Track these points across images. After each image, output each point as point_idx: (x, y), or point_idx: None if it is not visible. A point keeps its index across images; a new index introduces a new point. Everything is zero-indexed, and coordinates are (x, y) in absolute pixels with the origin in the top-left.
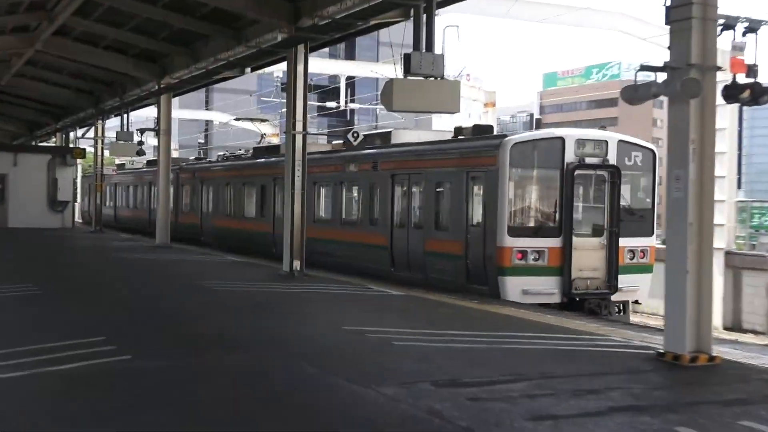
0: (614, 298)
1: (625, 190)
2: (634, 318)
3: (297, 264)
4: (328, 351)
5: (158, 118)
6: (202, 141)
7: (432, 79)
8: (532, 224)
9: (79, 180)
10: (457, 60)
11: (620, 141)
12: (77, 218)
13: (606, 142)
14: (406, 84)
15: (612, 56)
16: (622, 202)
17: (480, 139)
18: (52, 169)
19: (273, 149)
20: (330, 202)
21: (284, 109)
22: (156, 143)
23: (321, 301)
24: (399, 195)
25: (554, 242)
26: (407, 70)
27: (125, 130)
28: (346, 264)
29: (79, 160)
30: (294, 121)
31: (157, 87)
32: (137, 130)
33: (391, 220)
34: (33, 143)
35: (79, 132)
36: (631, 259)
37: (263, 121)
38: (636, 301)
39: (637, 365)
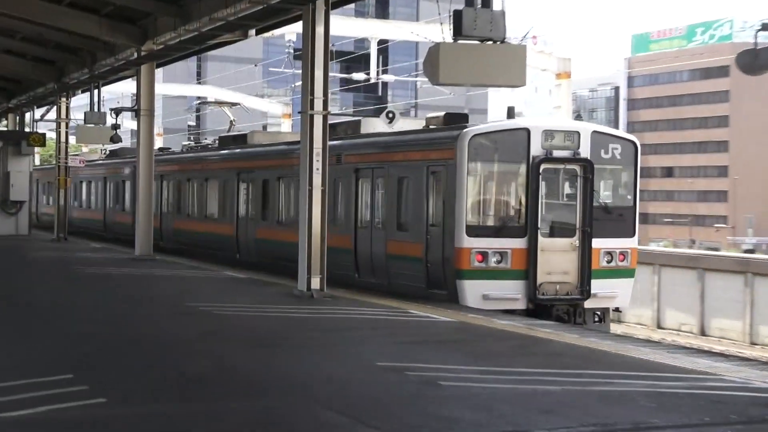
0: (590, 304)
1: (602, 186)
2: (616, 328)
3: (316, 282)
4: (360, 395)
5: (138, 95)
6: (193, 123)
7: (490, 43)
8: (493, 223)
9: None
10: (521, 19)
11: (594, 132)
12: None
13: (578, 133)
14: (457, 49)
15: (721, 12)
16: (598, 199)
17: (441, 130)
18: (2, 159)
19: (240, 139)
20: (293, 201)
21: (299, 83)
22: (135, 126)
23: (349, 329)
24: (363, 192)
25: (518, 243)
26: (458, 32)
27: (96, 110)
28: None
29: (37, 149)
30: (311, 97)
31: (136, 55)
32: (111, 110)
33: (355, 219)
34: None
35: (38, 113)
36: (609, 262)
37: (234, 104)
38: (617, 309)
39: (757, 413)
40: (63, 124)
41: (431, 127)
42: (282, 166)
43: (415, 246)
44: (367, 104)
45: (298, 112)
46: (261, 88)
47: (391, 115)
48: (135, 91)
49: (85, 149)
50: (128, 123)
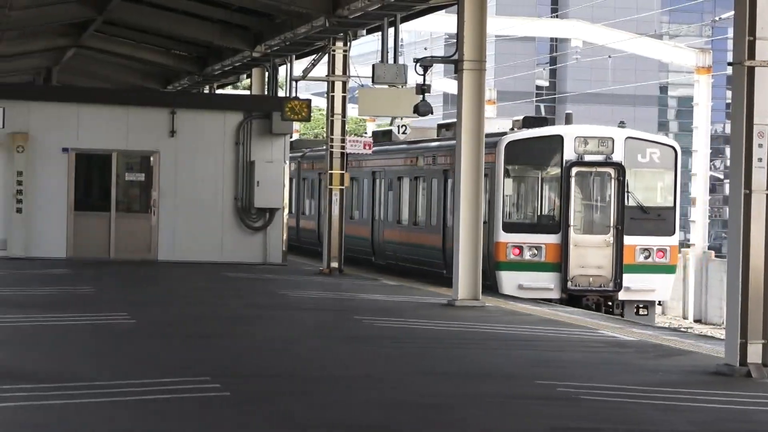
0: (627, 297)
1: (639, 188)
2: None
3: (756, 352)
4: None
5: (458, 36)
6: (545, 83)
7: None
8: (528, 220)
9: None
10: None
11: (629, 138)
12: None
13: (611, 139)
14: None
15: None
16: (633, 201)
17: (492, 136)
18: (243, 141)
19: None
20: (407, 201)
21: (727, 14)
22: (456, 87)
23: None
24: (449, 191)
25: (552, 239)
26: None
27: (391, 60)
28: (417, 270)
29: (297, 125)
30: (751, 39)
31: None
32: (416, 61)
33: (444, 219)
34: (204, 89)
35: (298, 66)
36: (646, 258)
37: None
38: (659, 303)
39: None
40: (339, 84)
41: (511, 129)
42: (394, 166)
43: None
44: None
45: (728, 64)
46: (659, 23)
47: None
48: (457, 30)
49: (371, 126)
50: (437, 84)
